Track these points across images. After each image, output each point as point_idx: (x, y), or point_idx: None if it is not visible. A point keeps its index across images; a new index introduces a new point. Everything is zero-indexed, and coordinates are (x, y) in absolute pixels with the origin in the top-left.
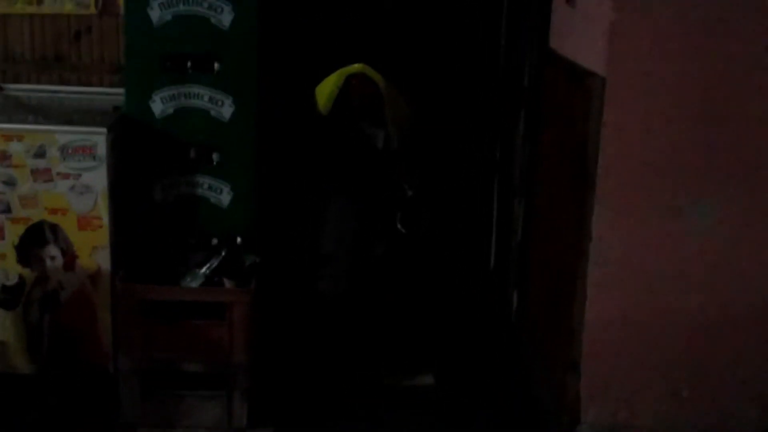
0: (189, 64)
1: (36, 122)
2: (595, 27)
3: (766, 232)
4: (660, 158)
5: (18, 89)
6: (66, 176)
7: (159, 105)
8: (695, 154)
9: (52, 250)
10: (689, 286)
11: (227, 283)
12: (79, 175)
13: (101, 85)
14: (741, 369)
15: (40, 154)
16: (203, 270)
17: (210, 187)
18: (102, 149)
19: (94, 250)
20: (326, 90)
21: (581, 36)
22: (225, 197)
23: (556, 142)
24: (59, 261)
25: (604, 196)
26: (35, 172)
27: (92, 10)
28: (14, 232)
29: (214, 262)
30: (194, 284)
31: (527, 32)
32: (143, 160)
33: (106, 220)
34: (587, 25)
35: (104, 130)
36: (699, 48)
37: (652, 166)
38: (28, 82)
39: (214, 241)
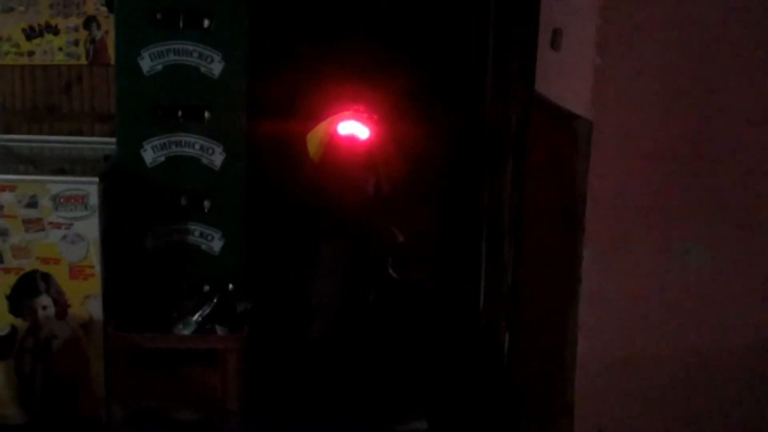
0: (180, 113)
1: (28, 172)
2: (581, 70)
3: (754, 274)
4: (647, 200)
5: (9, 140)
6: (58, 226)
7: (150, 153)
8: (683, 196)
9: (45, 300)
10: (679, 328)
11: (219, 330)
12: (71, 225)
13: (92, 134)
14: (731, 410)
15: (32, 204)
16: (195, 317)
17: (201, 235)
18: (94, 198)
19: (86, 299)
20: (317, 136)
21: (567, 79)
22: (216, 244)
23: (544, 185)
24: (51, 310)
25: (592, 238)
26: (27, 222)
27: (83, 60)
28: (6, 283)
29: (206, 309)
30: (186, 331)
31: (513, 76)
32: (135, 209)
33: (98, 268)
34: (573, 68)
35: (96, 179)
36: (684, 90)
37: (640, 208)
38: (20, 132)
39: (206, 288)
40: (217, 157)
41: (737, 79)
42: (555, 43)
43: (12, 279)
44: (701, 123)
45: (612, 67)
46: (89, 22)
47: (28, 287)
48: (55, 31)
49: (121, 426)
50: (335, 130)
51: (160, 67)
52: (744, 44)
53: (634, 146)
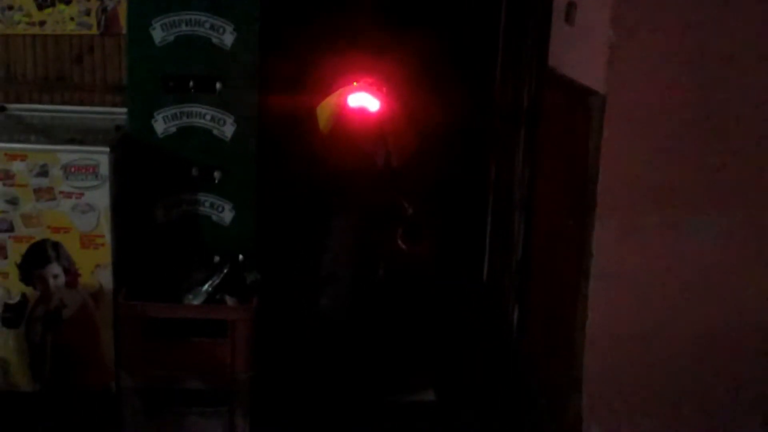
0: (191, 83)
1: (38, 142)
2: (595, 45)
3: (764, 248)
4: (660, 175)
5: (20, 109)
6: (68, 195)
7: (161, 124)
8: (694, 171)
9: (55, 269)
10: (690, 303)
11: (229, 301)
12: (82, 194)
13: (103, 104)
14: (742, 385)
15: (43, 173)
16: (205, 287)
17: (212, 205)
18: (104, 168)
19: (97, 268)
20: (327, 109)
21: (581, 54)
22: (227, 215)
23: (556, 159)
24: (62, 279)
25: (604, 212)
26: (38, 191)
27: (94, 30)
28: (17, 251)
29: (216, 280)
30: (196, 302)
31: (526, 50)
32: (145, 179)
33: (108, 238)
34: (587, 43)
35: (107, 149)
36: (699, 66)
37: (652, 183)
38: (31, 102)
39: (216, 258)
40: (228, 128)
41: (753, 55)
42: (569, 18)
43: (23, 247)
44: (715, 99)
45: (626, 42)
46: None
47: (39, 256)
48: (67, 1)
49: (131, 395)
50: (346, 102)
51: (171, 37)
52: (761, 20)
53: (648, 122)
